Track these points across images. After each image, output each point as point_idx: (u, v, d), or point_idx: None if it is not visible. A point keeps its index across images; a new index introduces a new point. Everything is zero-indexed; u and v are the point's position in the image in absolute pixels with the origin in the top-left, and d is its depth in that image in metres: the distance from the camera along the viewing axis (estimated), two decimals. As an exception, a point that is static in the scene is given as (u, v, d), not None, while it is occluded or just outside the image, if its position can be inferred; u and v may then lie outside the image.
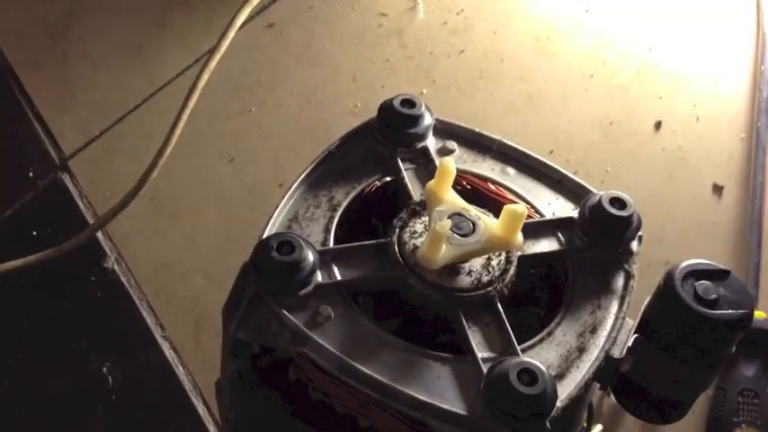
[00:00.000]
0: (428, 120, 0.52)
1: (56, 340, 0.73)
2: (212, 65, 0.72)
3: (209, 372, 0.70)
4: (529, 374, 0.40)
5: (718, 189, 0.63)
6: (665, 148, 0.64)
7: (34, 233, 0.76)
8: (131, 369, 0.72)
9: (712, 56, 0.66)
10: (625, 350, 0.45)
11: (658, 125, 0.65)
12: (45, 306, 0.74)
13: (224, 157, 0.72)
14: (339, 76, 0.70)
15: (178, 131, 0.71)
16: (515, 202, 0.48)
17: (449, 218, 0.45)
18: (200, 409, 0.70)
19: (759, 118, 0.63)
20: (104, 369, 0.72)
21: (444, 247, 0.45)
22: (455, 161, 0.51)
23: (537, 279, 0.51)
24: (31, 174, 0.77)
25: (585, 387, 0.43)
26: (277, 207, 0.48)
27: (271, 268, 0.43)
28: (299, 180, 0.49)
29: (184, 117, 0.70)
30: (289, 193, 0.48)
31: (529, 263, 0.48)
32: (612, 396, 0.50)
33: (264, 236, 0.45)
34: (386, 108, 0.51)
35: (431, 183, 0.47)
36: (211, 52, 0.72)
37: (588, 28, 0.67)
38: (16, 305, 0.74)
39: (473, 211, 0.47)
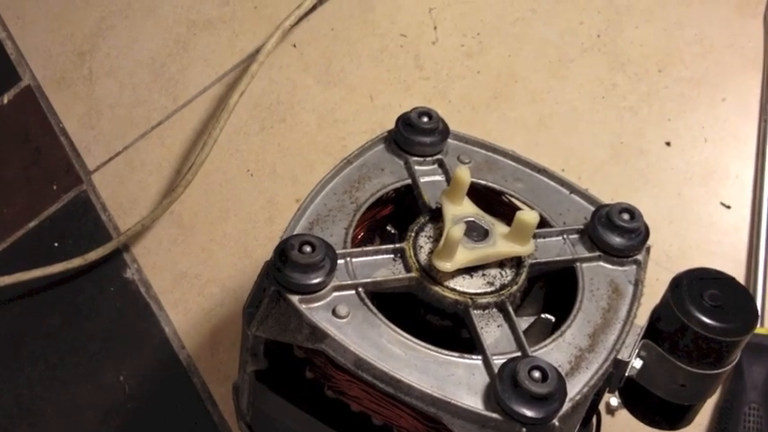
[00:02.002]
0: (443, 131, 0.54)
1: (73, 349, 0.75)
2: (235, 98, 0.74)
3: (225, 381, 0.71)
4: (540, 372, 0.42)
5: (726, 207, 0.64)
6: (673, 168, 0.66)
7: (56, 244, 0.77)
8: (147, 378, 0.73)
9: (720, 80, 0.67)
10: (633, 353, 0.46)
11: (667, 146, 0.67)
12: (64, 315, 0.76)
13: (243, 173, 0.74)
14: (357, 96, 0.72)
15: (208, 150, 0.73)
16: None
17: (463, 223, 0.47)
18: (216, 417, 0.71)
19: (764, 138, 0.65)
20: (121, 378, 0.73)
21: (458, 251, 0.46)
22: (471, 172, 0.53)
23: (548, 286, 0.52)
24: (54, 187, 0.79)
25: (594, 387, 0.45)
26: (298, 210, 0.49)
27: (291, 267, 0.45)
28: (319, 185, 0.51)
29: (215, 135, 0.72)
30: (309, 198, 0.50)
31: (541, 270, 0.50)
32: (620, 401, 0.51)
33: (285, 236, 0.47)
34: (403, 119, 0.54)
35: (445, 190, 0.49)
36: (242, 77, 0.75)
37: (599, 52, 0.69)
38: (36, 314, 0.76)
39: (487, 218, 0.49)
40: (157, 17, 0.81)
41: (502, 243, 0.47)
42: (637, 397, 0.49)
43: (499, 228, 0.48)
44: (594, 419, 0.56)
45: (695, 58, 0.69)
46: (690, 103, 0.67)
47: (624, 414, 0.64)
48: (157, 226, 0.75)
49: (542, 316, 0.50)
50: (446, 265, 0.46)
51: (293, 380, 0.50)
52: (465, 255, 0.46)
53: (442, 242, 0.46)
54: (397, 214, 0.54)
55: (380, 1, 0.76)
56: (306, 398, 0.49)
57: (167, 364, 0.73)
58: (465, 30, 0.73)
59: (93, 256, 0.74)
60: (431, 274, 0.47)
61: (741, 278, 0.63)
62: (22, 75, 0.83)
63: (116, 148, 0.79)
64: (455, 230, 0.45)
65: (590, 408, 0.49)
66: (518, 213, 0.47)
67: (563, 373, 0.43)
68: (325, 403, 0.49)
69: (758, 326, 0.61)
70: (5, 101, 0.83)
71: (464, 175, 0.48)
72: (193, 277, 0.74)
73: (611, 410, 0.64)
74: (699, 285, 0.45)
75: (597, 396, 0.48)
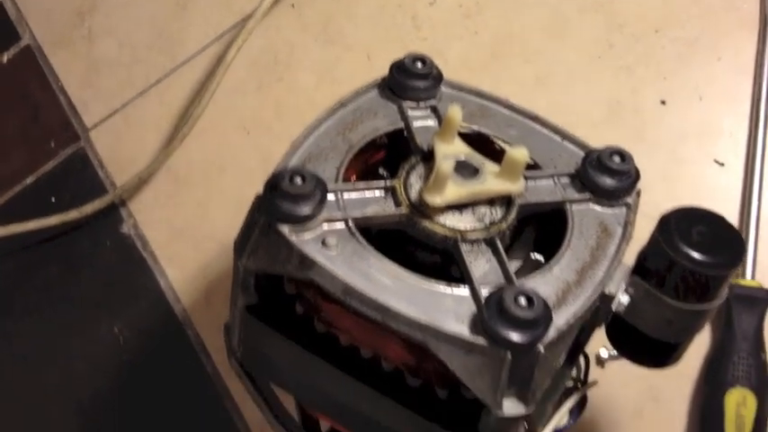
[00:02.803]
0: (437, 77, 0.54)
1: (69, 302, 0.75)
2: (233, 53, 0.75)
3: (218, 333, 0.71)
4: (525, 298, 0.42)
5: (719, 165, 0.65)
6: (668, 127, 0.66)
7: (53, 200, 0.78)
8: (142, 330, 0.74)
9: (716, 40, 0.68)
10: (621, 288, 0.46)
11: (662, 104, 0.67)
12: (60, 268, 0.76)
13: (240, 130, 0.74)
14: (354, 56, 0.72)
15: (205, 104, 0.74)
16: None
17: (453, 159, 0.47)
18: (209, 368, 0.71)
19: (759, 98, 0.65)
20: (115, 330, 0.74)
21: (449, 186, 0.47)
22: (464, 119, 0.54)
23: (539, 229, 0.53)
24: (52, 144, 0.80)
25: (580, 319, 0.45)
26: (290, 148, 0.50)
27: (282, 198, 0.45)
28: (312, 126, 0.51)
29: (212, 90, 0.73)
30: (301, 137, 0.51)
31: (531, 210, 0.50)
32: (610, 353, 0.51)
33: (277, 170, 0.47)
34: (397, 64, 0.54)
35: (437, 131, 0.50)
36: (239, 33, 0.76)
37: (596, 13, 0.69)
38: (33, 266, 0.77)
39: (477, 157, 0.49)
40: (157, -24, 0.81)
41: (492, 181, 0.48)
42: (625, 336, 0.49)
43: (490, 167, 0.49)
44: (583, 363, 0.57)
45: (691, 18, 0.69)
46: (686, 63, 0.68)
47: (614, 366, 0.64)
48: (154, 182, 0.76)
49: (532, 256, 0.51)
50: (436, 200, 0.46)
51: (283, 315, 0.50)
52: (455, 190, 0.47)
53: (432, 177, 0.46)
54: (390, 160, 0.54)
55: (379, -40, 0.76)
56: (296, 332, 0.49)
57: (162, 316, 0.73)
58: (463, -10, 0.74)
59: (89, 209, 0.74)
60: (421, 210, 0.47)
61: (733, 234, 0.64)
62: (21, 34, 0.83)
63: (114, 105, 0.79)
64: (445, 164, 0.45)
65: (577, 346, 0.50)
66: (508, 150, 0.47)
67: (550, 305, 0.43)
68: (315, 337, 0.49)
69: (748, 278, 0.62)
70: (5, 60, 0.83)
71: (456, 113, 0.48)
72: (189, 232, 0.74)
73: (600, 362, 0.64)
74: (687, 222, 0.45)
75: (584, 333, 0.49)
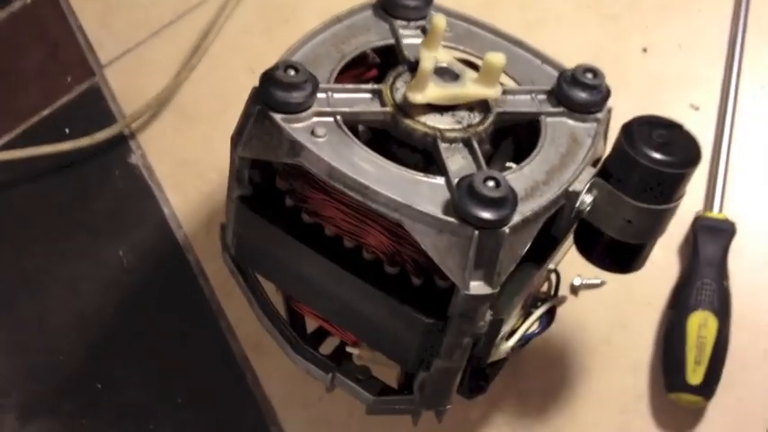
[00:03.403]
0: (427, -1, 0.58)
1: (77, 226, 0.79)
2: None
3: (216, 258, 0.75)
4: (493, 181, 0.46)
5: (695, 109, 0.69)
6: (649, 73, 0.70)
7: (67, 130, 0.82)
8: (145, 254, 0.78)
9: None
10: (585, 187, 0.50)
11: (644, 52, 0.71)
12: (71, 194, 0.80)
13: (246, 69, 0.79)
14: (358, 2, 0.76)
15: (212, 38, 0.78)
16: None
17: (435, 58, 0.51)
18: (206, 291, 0.75)
19: (734, 47, 0.69)
20: (120, 253, 0.78)
21: (430, 87, 0.51)
22: (451, 41, 0.58)
23: (517, 142, 0.57)
24: (68, 79, 0.84)
25: (546, 209, 0.49)
26: (286, 52, 0.54)
27: (276, 86, 0.49)
28: (307, 35, 0.55)
29: (220, 24, 0.78)
30: (297, 44, 0.55)
31: (508, 120, 0.54)
32: (575, 246, 0.55)
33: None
34: (390, -14, 0.58)
35: (423, 40, 0.54)
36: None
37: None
38: (45, 193, 0.81)
39: (459, 65, 0.53)
40: (176, -76, 0.86)
41: (471, 85, 0.52)
42: (589, 239, 0.53)
43: (470, 74, 0.52)
44: (554, 279, 0.61)
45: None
46: (668, 13, 0.72)
47: (587, 294, 0.68)
48: (162, 115, 0.80)
49: (507, 164, 0.54)
50: (417, 97, 0.50)
51: (275, 208, 0.54)
52: (436, 90, 0.51)
53: (415, 76, 0.50)
54: (381, 78, 0.58)
55: None
56: (285, 223, 0.53)
57: (165, 242, 0.77)
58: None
59: (101, 136, 0.79)
60: (405, 110, 0.51)
61: (705, 171, 0.67)
62: (45, -24, 0.88)
63: (128, 44, 0.83)
64: (427, 62, 0.49)
65: (545, 246, 0.53)
66: (486, 55, 0.51)
67: (518, 198, 0.47)
68: (303, 228, 0.53)
69: (716, 211, 0.65)
70: (28, 0, 0.88)
71: (441, 21, 0.52)
72: (194, 164, 0.79)
73: (574, 290, 0.68)
74: (648, 127, 0.49)
75: (552, 227, 0.52)
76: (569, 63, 0.55)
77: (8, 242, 0.80)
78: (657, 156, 0.48)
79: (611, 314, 0.67)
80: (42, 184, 0.81)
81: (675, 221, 0.65)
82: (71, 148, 0.79)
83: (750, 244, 0.66)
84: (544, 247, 0.53)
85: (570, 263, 0.58)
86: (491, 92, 0.52)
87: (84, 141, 0.79)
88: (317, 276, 0.53)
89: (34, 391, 0.76)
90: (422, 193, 0.47)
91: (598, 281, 0.67)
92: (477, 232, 0.45)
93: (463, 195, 0.45)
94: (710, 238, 0.64)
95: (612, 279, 0.67)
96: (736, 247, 0.65)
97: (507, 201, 0.46)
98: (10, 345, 0.77)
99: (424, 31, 0.58)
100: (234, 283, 0.62)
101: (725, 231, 0.64)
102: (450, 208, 0.46)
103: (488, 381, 0.60)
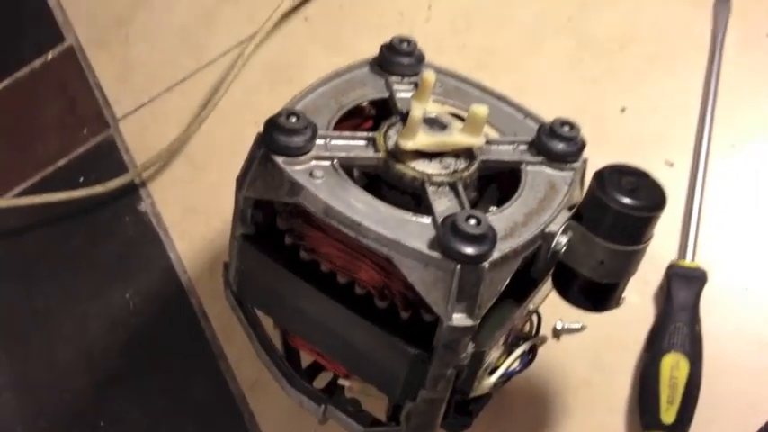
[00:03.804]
0: (420, 56, 0.63)
1: (87, 269, 0.84)
2: (250, 50, 0.86)
3: (219, 301, 0.79)
4: (474, 219, 0.50)
5: (669, 165, 0.73)
6: (627, 131, 0.75)
7: (81, 179, 0.87)
8: (151, 296, 0.82)
9: (672, 59, 0.77)
10: (560, 229, 0.54)
11: (622, 112, 0.76)
12: (83, 239, 0.85)
13: (251, 124, 0.83)
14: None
15: (221, 94, 0.84)
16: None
17: (424, 108, 0.56)
18: (208, 333, 0.79)
19: (706, 108, 0.74)
20: (127, 295, 0.82)
21: (419, 135, 0.55)
22: (440, 95, 0.63)
23: (501, 189, 0.61)
24: (85, 131, 0.89)
25: (524, 248, 0.53)
26: (288, 102, 0.59)
27: (278, 131, 0.54)
28: (309, 88, 0.60)
29: (229, 81, 0.83)
30: (299, 96, 0.60)
31: (491, 167, 0.59)
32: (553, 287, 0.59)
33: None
34: (386, 45, 0.63)
35: (414, 93, 0.59)
36: (251, 40, 0.86)
37: (569, 33, 0.79)
38: (58, 237, 0.85)
39: (447, 116, 0.58)
40: (190, -8, 0.92)
41: (457, 135, 0.57)
42: (566, 279, 0.56)
43: (456, 124, 0.57)
44: (535, 320, 0.64)
45: (651, 39, 0.78)
46: (644, 77, 0.77)
47: (568, 338, 0.71)
48: (172, 165, 0.85)
49: (492, 209, 0.59)
50: (408, 143, 0.55)
51: (275, 246, 0.58)
52: (425, 138, 0.55)
53: (406, 125, 0.55)
54: (376, 128, 0.63)
55: (384, -16, 0.87)
56: (284, 259, 0.58)
57: (170, 285, 0.82)
58: (455, 11, 0.84)
59: (113, 184, 0.83)
60: (396, 155, 0.56)
61: (678, 223, 0.72)
62: (66, 36, 0.94)
63: (142, 100, 0.89)
64: (417, 111, 0.54)
65: (524, 285, 0.57)
66: (471, 107, 0.56)
67: (498, 237, 0.51)
68: (301, 265, 0.57)
69: (688, 260, 0.69)
70: (50, 57, 0.94)
71: (430, 76, 0.57)
72: (200, 211, 0.83)
73: (556, 334, 0.71)
74: (618, 174, 0.53)
75: (531, 268, 0.56)
76: (551, 119, 0.60)
77: (21, 282, 0.84)
78: (626, 200, 0.52)
79: (591, 356, 0.71)
80: (56, 228, 0.86)
81: (650, 269, 0.70)
82: (85, 196, 0.84)
83: (721, 291, 0.70)
84: (524, 286, 0.57)
85: (552, 308, 0.62)
86: (475, 141, 0.56)
87: (97, 189, 0.84)
88: (312, 310, 0.57)
89: (40, 428, 0.80)
90: (410, 231, 0.51)
91: (579, 325, 0.71)
92: (459, 266, 0.49)
93: (447, 232, 0.50)
94: (683, 285, 0.68)
95: (592, 323, 0.71)
96: (708, 294, 0.68)
97: (487, 238, 0.50)
98: (18, 381, 0.81)
99: (416, 86, 0.63)
100: (234, 326, 0.65)
101: (697, 279, 0.68)
102: (435, 244, 0.51)
103: (472, 416, 0.63)
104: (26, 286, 0.84)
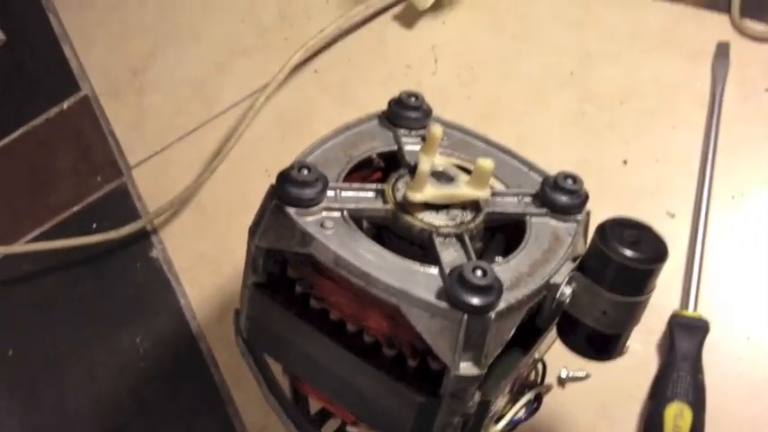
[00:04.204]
0: (427, 110, 0.65)
1: (98, 314, 0.85)
2: (261, 101, 0.88)
3: (228, 347, 0.81)
4: (481, 270, 0.51)
5: (671, 216, 0.75)
6: (628, 183, 0.77)
7: (94, 225, 0.89)
8: (160, 342, 0.83)
9: (672, 112, 0.79)
10: (565, 279, 0.56)
11: (624, 164, 0.78)
12: (94, 284, 0.86)
13: (262, 173, 0.86)
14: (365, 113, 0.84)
15: (232, 144, 0.86)
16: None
17: (432, 161, 0.58)
18: (217, 378, 0.80)
19: (707, 160, 0.76)
20: (137, 340, 0.83)
21: (427, 187, 0.57)
22: (447, 148, 0.65)
23: (507, 240, 0.63)
24: (99, 178, 0.92)
25: (529, 298, 0.54)
26: (299, 155, 0.61)
27: (290, 184, 0.55)
28: (319, 141, 0.62)
29: (241, 131, 0.85)
30: (309, 149, 0.61)
31: (497, 219, 0.60)
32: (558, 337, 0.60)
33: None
34: (395, 99, 0.65)
35: (422, 146, 0.61)
36: (262, 91, 0.89)
37: (572, 86, 0.81)
38: (71, 282, 0.87)
39: (454, 169, 0.60)
40: (203, 44, 0.95)
41: (464, 187, 0.58)
42: (570, 329, 0.58)
43: (463, 177, 0.59)
44: (540, 369, 0.66)
45: (652, 94, 0.81)
46: (645, 130, 0.79)
47: (573, 386, 0.72)
48: (183, 213, 0.87)
49: (497, 259, 0.60)
50: (416, 196, 0.56)
51: (285, 294, 0.60)
52: (432, 191, 0.57)
53: (414, 178, 0.57)
54: (384, 179, 0.65)
55: (392, 38, 0.89)
56: (295, 307, 0.59)
57: (179, 331, 0.83)
58: (461, 63, 0.86)
59: (126, 231, 0.85)
60: (404, 207, 0.58)
61: (680, 273, 0.73)
62: (81, 86, 0.96)
63: (155, 148, 0.91)
64: (425, 165, 0.56)
65: (529, 334, 0.58)
66: (477, 160, 0.58)
67: (504, 287, 0.53)
68: (311, 313, 0.59)
69: (690, 309, 0.71)
70: (65, 106, 0.96)
71: (437, 130, 0.59)
72: (211, 258, 0.85)
73: (561, 382, 0.72)
74: (620, 227, 0.55)
75: (536, 318, 0.57)
76: (555, 171, 0.62)
77: (33, 327, 0.85)
78: (629, 253, 0.53)
79: (595, 405, 0.71)
80: (69, 273, 0.87)
81: (654, 319, 0.71)
82: (97, 242, 0.86)
83: (723, 340, 0.71)
84: (529, 336, 0.58)
85: (557, 356, 0.63)
86: (481, 193, 0.58)
87: (109, 235, 0.86)
88: (322, 357, 0.58)
89: (48, 473, 0.80)
90: (418, 281, 0.53)
91: (583, 373, 0.72)
92: (465, 316, 0.51)
93: (454, 282, 0.51)
94: (686, 335, 0.69)
95: (597, 372, 0.72)
96: (710, 343, 0.70)
97: (493, 288, 0.51)
98: (27, 426, 0.82)
99: (424, 139, 0.65)
100: (242, 371, 0.67)
101: (699, 328, 0.69)
102: (442, 294, 0.52)
103: (479, 463, 0.64)
104: (38, 332, 0.85)
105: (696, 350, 0.68)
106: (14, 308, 0.87)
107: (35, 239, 0.89)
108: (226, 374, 0.80)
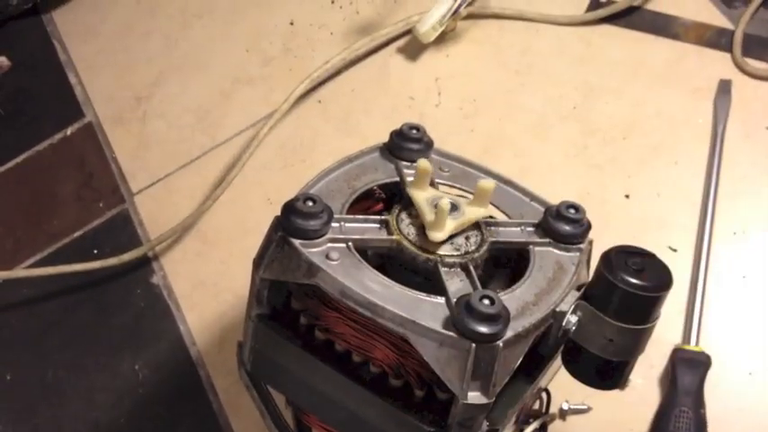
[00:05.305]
0: (428, 143, 0.66)
1: (98, 340, 0.85)
2: (265, 131, 0.89)
3: (227, 375, 0.81)
4: (488, 299, 0.51)
5: (673, 250, 0.75)
6: (631, 217, 0.77)
7: (95, 251, 0.89)
8: (159, 369, 0.82)
9: (674, 147, 0.80)
10: (570, 307, 0.56)
11: (626, 198, 0.78)
12: (94, 310, 0.86)
13: (264, 201, 0.86)
14: (368, 144, 0.85)
15: (236, 173, 0.86)
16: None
17: (447, 199, 0.58)
18: (215, 406, 0.79)
19: (708, 196, 0.76)
20: (136, 367, 0.83)
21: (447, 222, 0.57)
22: (448, 179, 0.65)
23: (511, 270, 0.63)
24: (101, 204, 0.92)
25: (536, 327, 0.54)
26: (303, 187, 0.61)
27: (295, 215, 0.55)
28: (323, 173, 0.62)
29: (244, 159, 0.86)
30: (313, 181, 0.61)
31: (501, 248, 0.60)
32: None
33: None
34: (397, 131, 0.66)
35: (412, 181, 0.61)
36: (266, 120, 0.89)
37: (574, 120, 0.82)
38: (70, 308, 0.86)
39: (450, 196, 0.60)
40: (208, 73, 0.95)
41: (469, 210, 0.58)
42: (576, 358, 0.57)
43: (463, 201, 0.59)
44: (545, 398, 0.65)
45: (654, 129, 0.81)
46: (648, 165, 0.80)
47: (574, 418, 0.72)
48: (185, 240, 0.87)
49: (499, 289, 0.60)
50: (438, 235, 0.56)
51: (290, 326, 0.60)
52: (450, 223, 0.57)
53: (433, 216, 0.56)
54: (387, 211, 0.65)
55: (396, 69, 0.90)
56: (299, 339, 0.59)
57: (178, 357, 0.82)
58: (464, 96, 0.87)
59: (127, 257, 0.85)
60: (408, 238, 0.58)
61: (682, 308, 0.73)
62: (86, 113, 0.97)
63: (158, 175, 0.91)
64: (444, 203, 0.56)
65: (535, 363, 0.58)
66: (478, 181, 0.58)
67: (510, 316, 0.53)
68: (315, 344, 0.58)
69: (692, 344, 0.71)
70: (69, 133, 0.96)
71: (426, 165, 0.59)
72: (211, 285, 0.85)
73: (563, 415, 0.72)
74: (625, 255, 0.55)
75: (540, 348, 0.57)
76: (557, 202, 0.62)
77: (32, 352, 0.85)
78: (634, 280, 0.54)
79: (597, 438, 0.71)
80: (69, 299, 0.87)
81: (656, 353, 0.71)
82: (98, 267, 0.86)
83: (725, 375, 0.71)
84: (535, 365, 0.58)
85: (558, 388, 0.63)
86: (485, 211, 0.59)
87: (110, 261, 0.85)
88: (327, 388, 0.58)
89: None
90: (424, 311, 0.53)
91: (585, 406, 0.72)
92: (474, 345, 0.51)
93: (462, 312, 0.51)
94: (688, 369, 0.69)
95: (598, 405, 0.72)
96: (712, 378, 0.70)
97: (501, 317, 0.51)
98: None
99: (428, 170, 0.65)
100: (241, 399, 0.66)
101: (701, 363, 0.69)
102: (449, 323, 0.52)
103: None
104: (37, 357, 0.85)
105: (698, 385, 0.68)
106: (14, 332, 0.86)
107: (36, 264, 0.89)
108: (224, 402, 0.80)
